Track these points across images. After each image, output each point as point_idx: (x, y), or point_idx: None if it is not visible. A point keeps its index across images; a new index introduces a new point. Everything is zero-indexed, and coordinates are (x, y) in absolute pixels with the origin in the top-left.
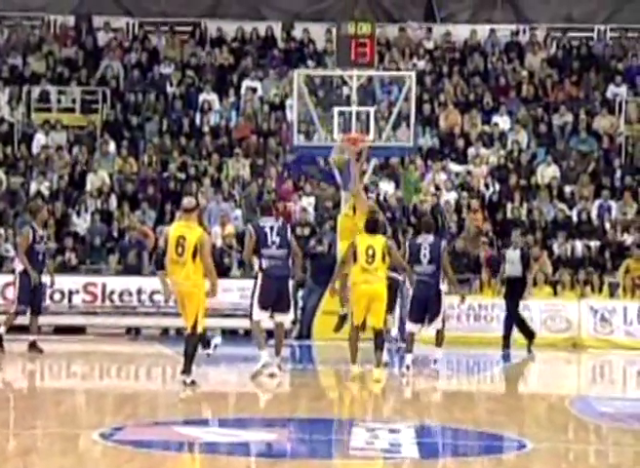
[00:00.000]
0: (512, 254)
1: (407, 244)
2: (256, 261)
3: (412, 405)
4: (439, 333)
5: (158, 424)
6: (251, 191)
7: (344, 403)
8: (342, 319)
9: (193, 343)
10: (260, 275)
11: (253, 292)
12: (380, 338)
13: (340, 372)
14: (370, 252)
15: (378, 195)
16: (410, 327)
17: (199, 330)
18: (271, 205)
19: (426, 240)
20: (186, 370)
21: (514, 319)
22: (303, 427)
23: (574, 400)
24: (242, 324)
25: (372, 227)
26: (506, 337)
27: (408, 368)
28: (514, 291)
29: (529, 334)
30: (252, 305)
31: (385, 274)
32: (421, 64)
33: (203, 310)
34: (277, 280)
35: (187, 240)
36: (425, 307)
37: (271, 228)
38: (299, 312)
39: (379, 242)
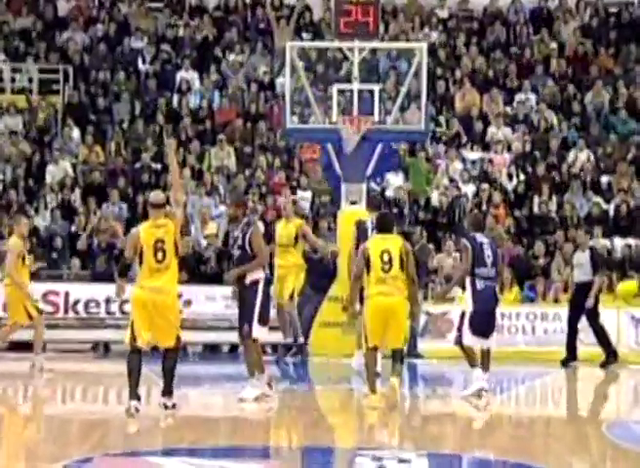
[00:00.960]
0: (581, 257)
1: (465, 241)
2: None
3: (424, 430)
4: (488, 354)
5: (131, 455)
6: (237, 184)
7: (347, 428)
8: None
9: (174, 360)
10: (261, 284)
11: (252, 304)
12: (399, 353)
13: (342, 393)
14: (385, 257)
15: (384, 189)
16: (471, 340)
17: (180, 343)
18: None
19: (484, 239)
20: (167, 392)
21: (596, 329)
22: (300, 456)
23: (612, 424)
24: (226, 338)
25: (384, 225)
26: (571, 348)
27: (484, 391)
28: (584, 298)
29: (610, 350)
30: (251, 319)
31: (405, 284)
32: (434, 36)
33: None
34: (268, 288)
35: (167, 242)
36: (489, 317)
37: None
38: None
39: (395, 244)
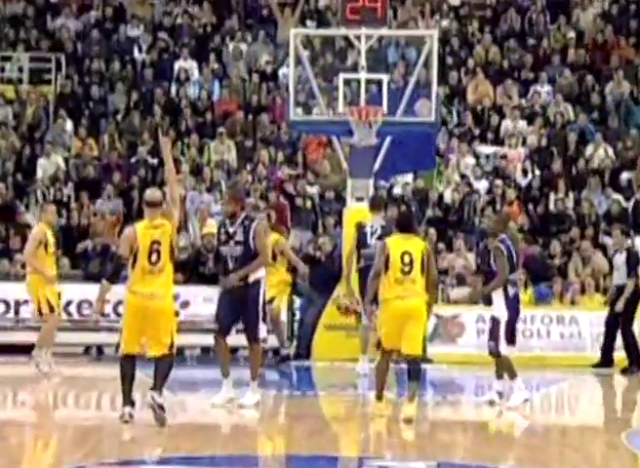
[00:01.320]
0: (618, 259)
1: (500, 245)
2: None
3: (434, 438)
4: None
5: (125, 464)
6: (238, 180)
7: (352, 436)
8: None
9: (168, 364)
10: (262, 282)
11: (256, 307)
12: (415, 366)
13: (347, 399)
14: (406, 259)
15: (392, 186)
16: (507, 350)
17: (173, 350)
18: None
19: (509, 241)
20: (157, 387)
21: (626, 334)
22: (302, 466)
23: (632, 433)
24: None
25: (405, 224)
26: (606, 354)
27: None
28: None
29: (634, 358)
30: (258, 323)
31: (423, 288)
32: (445, 24)
33: (175, 325)
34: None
35: (163, 244)
36: (516, 324)
37: None
38: (295, 326)
39: (416, 246)
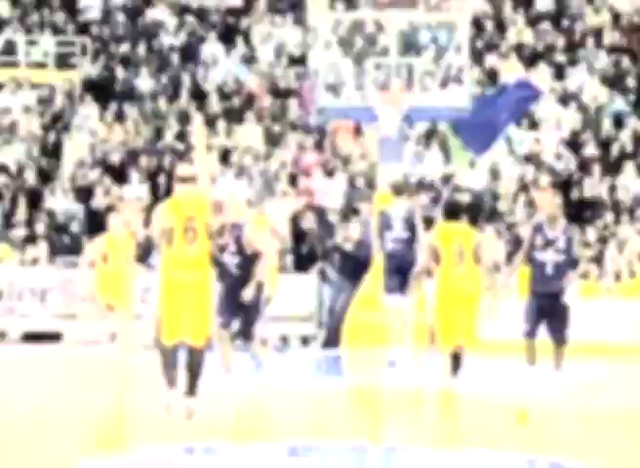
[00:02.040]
0: None
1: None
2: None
3: (465, 427)
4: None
5: (153, 452)
6: (267, 166)
7: (382, 425)
8: None
9: (200, 357)
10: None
11: (259, 302)
12: (458, 359)
13: (376, 387)
14: (457, 248)
15: (423, 178)
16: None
17: (207, 343)
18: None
19: None
20: (192, 391)
21: None
22: (332, 455)
23: None
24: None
25: (453, 211)
26: None
27: None
28: None
29: None
30: (257, 319)
31: (479, 277)
32: (477, 5)
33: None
34: None
35: (197, 219)
36: None
37: None
38: (324, 315)
39: (466, 235)
